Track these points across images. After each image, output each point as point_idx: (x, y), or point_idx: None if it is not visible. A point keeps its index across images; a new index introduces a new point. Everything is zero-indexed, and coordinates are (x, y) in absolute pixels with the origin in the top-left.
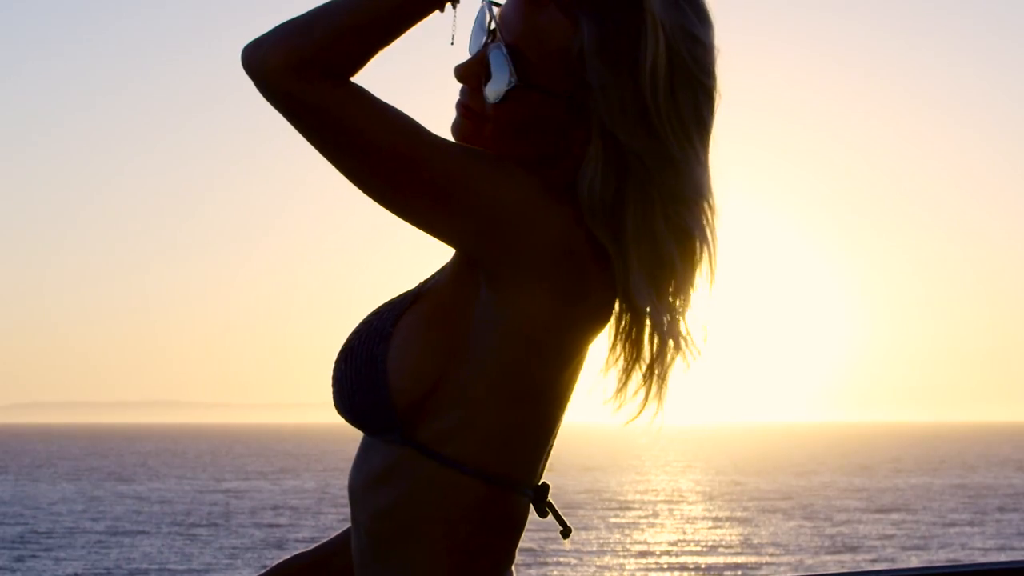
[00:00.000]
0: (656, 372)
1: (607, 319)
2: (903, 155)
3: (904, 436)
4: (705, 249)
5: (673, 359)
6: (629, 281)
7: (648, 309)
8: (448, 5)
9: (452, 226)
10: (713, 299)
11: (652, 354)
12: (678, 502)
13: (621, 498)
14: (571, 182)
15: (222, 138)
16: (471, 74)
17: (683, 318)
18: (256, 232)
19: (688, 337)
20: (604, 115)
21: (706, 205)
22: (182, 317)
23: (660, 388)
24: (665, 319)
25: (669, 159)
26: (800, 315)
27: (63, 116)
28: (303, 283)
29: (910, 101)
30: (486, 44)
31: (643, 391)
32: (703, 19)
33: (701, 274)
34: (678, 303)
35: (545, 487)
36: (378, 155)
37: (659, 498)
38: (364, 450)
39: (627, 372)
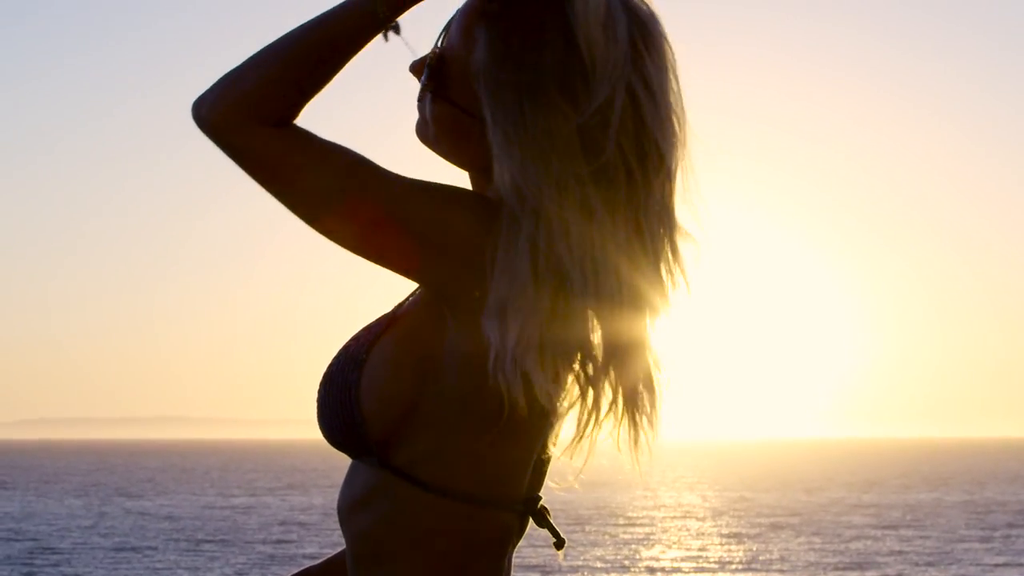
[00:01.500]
0: (593, 410)
1: None
2: (912, 168)
3: (912, 452)
4: (580, 303)
5: (605, 400)
6: (483, 312)
7: (491, 345)
8: (392, 33)
9: (404, 261)
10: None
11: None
12: (686, 518)
13: (629, 514)
14: None
15: None
16: (419, 73)
17: (521, 363)
18: (265, 247)
19: (539, 384)
20: (490, 141)
21: (589, 256)
22: (190, 332)
23: (592, 426)
24: (509, 360)
25: (535, 198)
26: (808, 331)
27: (71, 133)
28: (312, 298)
29: (919, 114)
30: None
31: (584, 424)
32: (654, 47)
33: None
34: (522, 343)
35: (534, 500)
36: (324, 198)
37: (667, 514)
38: (350, 473)
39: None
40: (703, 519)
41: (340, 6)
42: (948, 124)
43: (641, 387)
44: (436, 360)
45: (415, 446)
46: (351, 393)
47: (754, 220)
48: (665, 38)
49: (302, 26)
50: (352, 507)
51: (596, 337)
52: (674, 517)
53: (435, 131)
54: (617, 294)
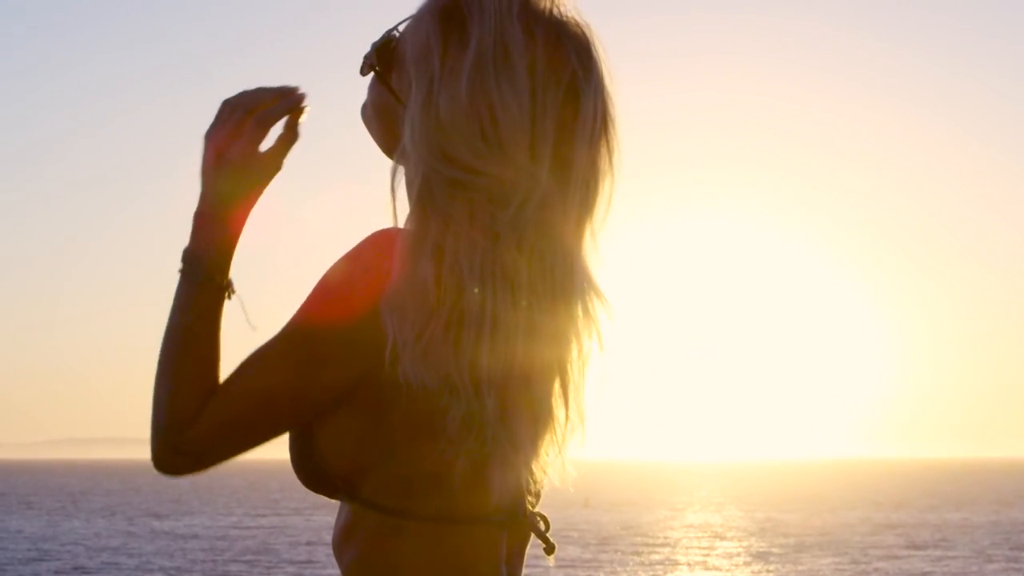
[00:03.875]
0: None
1: None
2: (946, 188)
3: (939, 471)
4: (477, 319)
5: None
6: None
7: (389, 334)
8: (229, 294)
9: (354, 374)
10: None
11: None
12: (712, 538)
13: (655, 534)
14: None
15: None
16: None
17: (421, 358)
18: (282, 260)
19: (431, 378)
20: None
21: (490, 277)
22: None
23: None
24: (407, 353)
25: (414, 183)
26: (835, 351)
27: (89, 146)
28: None
29: (950, 132)
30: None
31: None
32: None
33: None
34: (423, 337)
35: (519, 510)
36: (267, 416)
37: (693, 534)
38: (339, 510)
39: None
40: (729, 539)
41: (191, 308)
42: (982, 143)
43: (510, 420)
44: (379, 392)
45: (377, 475)
46: (308, 436)
47: (784, 241)
48: (596, 64)
49: (173, 340)
50: (340, 543)
51: (486, 357)
52: (700, 537)
53: (370, 112)
54: (514, 321)
